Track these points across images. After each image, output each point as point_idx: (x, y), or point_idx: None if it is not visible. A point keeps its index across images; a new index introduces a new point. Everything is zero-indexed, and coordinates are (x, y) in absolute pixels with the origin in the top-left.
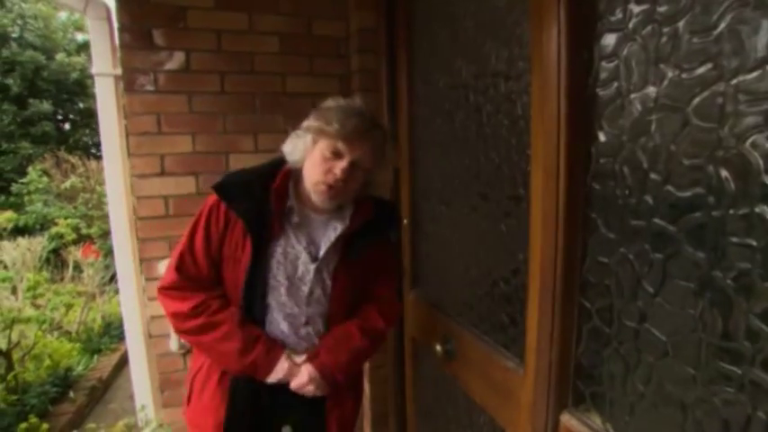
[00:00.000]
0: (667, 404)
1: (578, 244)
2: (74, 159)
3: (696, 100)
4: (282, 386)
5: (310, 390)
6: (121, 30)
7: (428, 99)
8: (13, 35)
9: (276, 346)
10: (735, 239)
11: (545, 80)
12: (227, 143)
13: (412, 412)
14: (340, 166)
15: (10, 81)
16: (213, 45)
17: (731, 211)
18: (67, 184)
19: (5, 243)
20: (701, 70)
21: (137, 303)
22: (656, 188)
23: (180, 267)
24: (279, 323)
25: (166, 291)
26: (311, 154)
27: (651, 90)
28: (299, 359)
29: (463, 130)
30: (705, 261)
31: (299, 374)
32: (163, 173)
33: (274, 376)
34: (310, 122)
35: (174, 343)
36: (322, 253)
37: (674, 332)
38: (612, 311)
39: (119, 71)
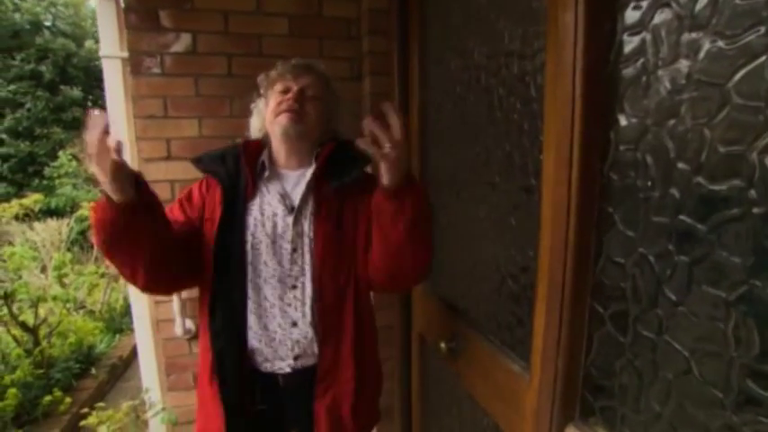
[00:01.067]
0: (687, 428)
1: (592, 241)
2: None
3: (739, 74)
4: (279, 391)
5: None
6: (127, 10)
7: (440, 83)
8: (46, 23)
9: None
10: None
11: (559, 56)
12: (234, 127)
13: (417, 408)
14: (292, 90)
15: (43, 68)
16: (220, 26)
17: None
18: None
19: (36, 224)
20: (747, 38)
21: None
22: (683, 180)
23: None
24: (262, 288)
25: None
26: (267, 109)
27: (683, 64)
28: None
29: (473, 115)
30: (741, 267)
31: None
32: (169, 157)
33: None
34: (259, 89)
35: (178, 328)
36: (296, 202)
37: (699, 347)
38: (628, 318)
39: (126, 54)
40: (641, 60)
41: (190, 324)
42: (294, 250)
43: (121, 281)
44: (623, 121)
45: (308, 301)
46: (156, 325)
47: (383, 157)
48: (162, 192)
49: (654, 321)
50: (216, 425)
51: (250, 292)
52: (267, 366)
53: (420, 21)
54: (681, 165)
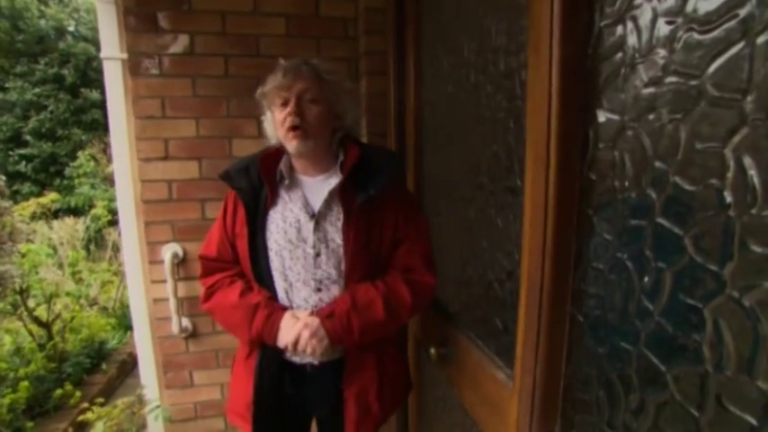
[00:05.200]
0: None
1: (572, 245)
2: None
3: (714, 64)
4: (307, 377)
5: (313, 344)
6: (126, 13)
7: (434, 81)
8: (69, 28)
9: (277, 309)
10: (758, 249)
11: (536, 49)
12: (231, 128)
13: (414, 412)
14: (290, 105)
15: (65, 72)
16: (218, 27)
17: (754, 212)
18: (111, 168)
19: (55, 222)
20: (724, 25)
21: (142, 286)
22: (660, 180)
23: (203, 253)
24: (287, 291)
25: (200, 280)
26: (275, 123)
27: (660, 54)
28: (304, 314)
29: (463, 114)
30: (718, 275)
31: (303, 329)
32: (167, 157)
33: (283, 338)
34: (260, 101)
35: (175, 326)
36: (317, 208)
37: (676, 362)
38: (606, 328)
39: (125, 55)
40: (620, 54)
41: (186, 322)
42: (317, 255)
43: None
44: (601, 118)
45: None
46: (154, 323)
47: None
48: (159, 191)
49: (631, 332)
50: (246, 400)
51: (281, 295)
52: (297, 360)
53: (415, 19)
54: (657, 163)
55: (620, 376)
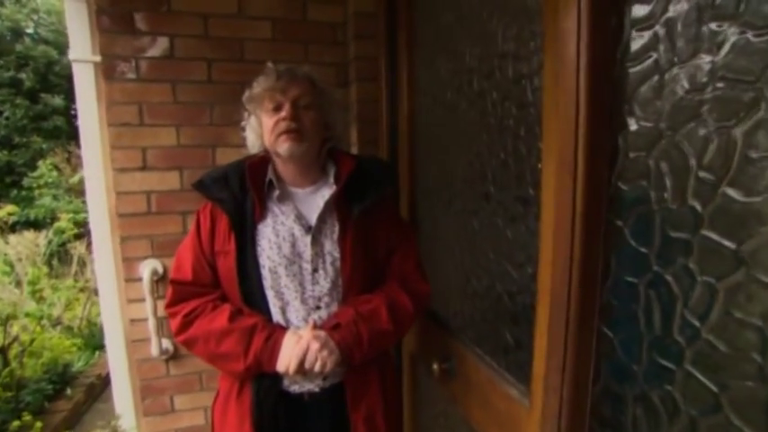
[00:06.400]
0: None
1: (599, 258)
2: None
3: None
4: (306, 408)
5: (324, 357)
6: (99, 12)
7: (430, 88)
8: (27, 30)
9: (276, 330)
10: None
11: (561, 57)
12: (215, 136)
13: (410, 430)
14: (285, 109)
15: (23, 76)
16: (200, 30)
17: None
18: (76, 178)
19: (12, 237)
20: None
21: (117, 306)
22: (707, 191)
23: (175, 278)
24: (284, 311)
25: (168, 309)
26: (262, 127)
27: (705, 60)
28: (307, 329)
29: (465, 121)
30: None
31: (311, 341)
32: (145, 167)
33: (283, 362)
34: (244, 105)
35: (155, 348)
36: (314, 221)
37: (731, 382)
38: (641, 344)
39: (98, 58)
40: (653, 57)
41: (167, 344)
42: (315, 270)
43: None
44: (633, 125)
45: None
46: (131, 345)
47: None
48: (137, 204)
49: (674, 349)
50: None
51: (276, 317)
52: (296, 389)
53: (409, 24)
54: (703, 173)
55: (662, 396)
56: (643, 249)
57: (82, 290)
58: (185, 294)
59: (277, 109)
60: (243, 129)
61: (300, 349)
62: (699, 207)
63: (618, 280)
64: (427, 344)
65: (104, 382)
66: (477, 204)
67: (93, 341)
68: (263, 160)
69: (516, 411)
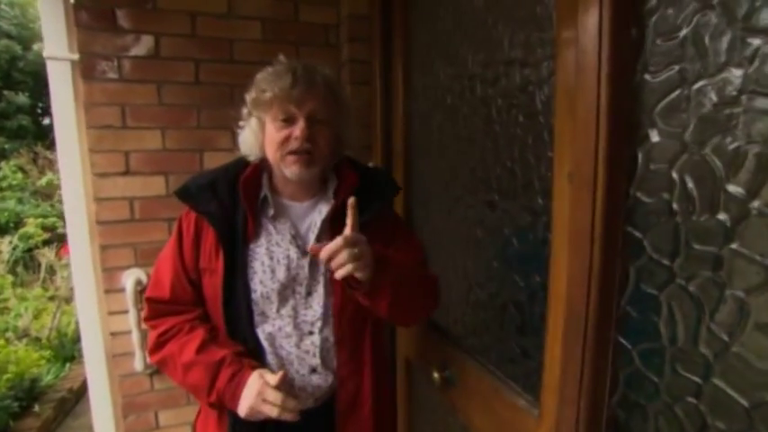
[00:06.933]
0: None
1: (617, 269)
2: (52, 155)
3: None
4: (292, 425)
5: (355, 253)
6: (77, 7)
7: (427, 92)
8: None
9: (244, 367)
10: None
11: (581, 66)
12: (202, 140)
13: None
14: (298, 127)
15: None
16: (187, 29)
17: None
18: (44, 180)
19: None
20: None
21: (97, 318)
22: (737, 204)
23: (151, 295)
24: (276, 337)
25: (146, 322)
26: (265, 135)
27: (735, 73)
28: (273, 378)
29: (468, 128)
30: None
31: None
32: (128, 172)
33: (244, 406)
34: (246, 104)
35: (138, 362)
36: (311, 243)
37: (764, 397)
38: (663, 356)
39: (76, 56)
40: (677, 68)
41: None
42: (309, 294)
43: (73, 303)
44: (655, 137)
45: (328, 346)
46: (112, 360)
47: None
48: (119, 211)
49: (699, 362)
50: None
51: (265, 344)
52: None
53: (404, 27)
54: (732, 187)
55: (686, 409)
56: (665, 261)
57: (51, 298)
58: (162, 312)
59: (288, 121)
60: (240, 128)
61: (258, 400)
62: (728, 221)
63: (637, 291)
64: (426, 352)
65: (76, 396)
66: (481, 212)
67: (64, 352)
68: (256, 171)
69: (523, 421)
